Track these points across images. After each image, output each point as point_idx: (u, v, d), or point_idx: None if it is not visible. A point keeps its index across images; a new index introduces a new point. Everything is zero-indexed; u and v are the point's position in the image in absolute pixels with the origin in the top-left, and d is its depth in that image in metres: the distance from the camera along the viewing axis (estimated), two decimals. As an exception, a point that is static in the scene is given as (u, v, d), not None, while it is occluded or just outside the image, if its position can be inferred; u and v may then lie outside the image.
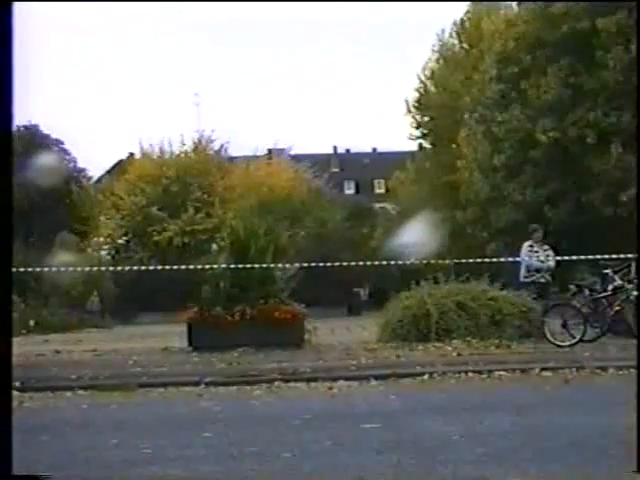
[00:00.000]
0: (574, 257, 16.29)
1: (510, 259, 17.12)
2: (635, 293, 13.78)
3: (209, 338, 14.28)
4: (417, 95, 40.53)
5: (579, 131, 25.26)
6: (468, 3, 38.96)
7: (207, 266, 15.71)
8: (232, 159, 41.57)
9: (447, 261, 17.20)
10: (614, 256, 15.01)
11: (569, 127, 25.49)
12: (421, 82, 40.48)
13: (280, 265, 15.28)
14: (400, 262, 20.21)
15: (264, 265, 14.72)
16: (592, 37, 25.36)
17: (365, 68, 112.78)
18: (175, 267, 19.18)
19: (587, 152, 25.37)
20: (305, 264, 17.30)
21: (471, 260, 17.28)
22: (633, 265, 14.18)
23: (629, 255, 14.60)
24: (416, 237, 19.20)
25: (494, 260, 18.02)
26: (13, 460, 5.72)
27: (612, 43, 24.64)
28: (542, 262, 15.81)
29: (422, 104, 40.28)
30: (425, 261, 18.70)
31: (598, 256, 15.30)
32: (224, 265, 15.09)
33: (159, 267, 23.04)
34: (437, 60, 39.78)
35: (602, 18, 24.80)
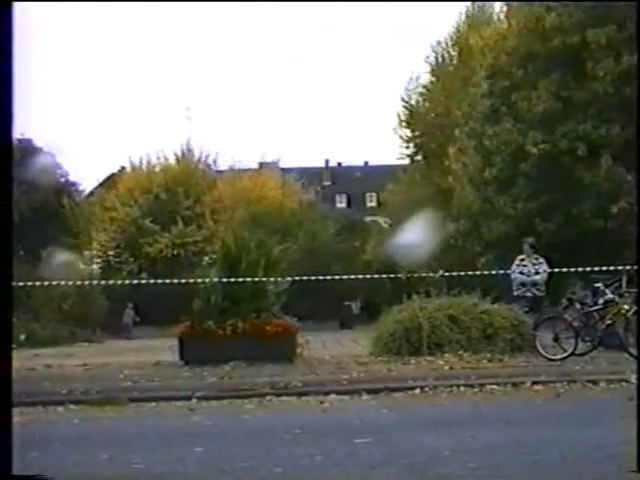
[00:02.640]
0: (564, 270, 16.35)
1: (501, 272, 17.16)
2: (626, 307, 13.80)
3: (201, 352, 14.24)
4: (407, 110, 40.59)
5: (569, 143, 25.35)
6: (457, 19, 39.10)
7: (199, 280, 15.68)
8: (222, 172, 41.64)
9: (439, 274, 17.20)
10: (604, 269, 15.07)
11: (560, 139, 25.59)
12: (410, 97, 40.57)
13: (272, 279, 15.27)
14: (392, 276, 20.21)
15: (256, 279, 14.72)
16: (582, 50, 25.48)
17: (357, 81, 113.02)
18: (167, 281, 19.18)
19: (577, 164, 25.46)
20: (297, 277, 17.29)
21: (462, 273, 17.31)
22: (624, 279, 14.21)
23: (620, 268, 14.65)
24: (408, 248, 19.21)
25: (485, 273, 18.06)
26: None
27: (602, 55, 24.78)
28: (527, 276, 15.89)
29: (412, 119, 40.34)
30: (416, 275, 18.72)
31: (588, 269, 15.35)
32: (216, 279, 15.07)
33: (151, 281, 23.04)
34: (431, 72, 39.85)
35: (592, 29, 24.93)
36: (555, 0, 26.54)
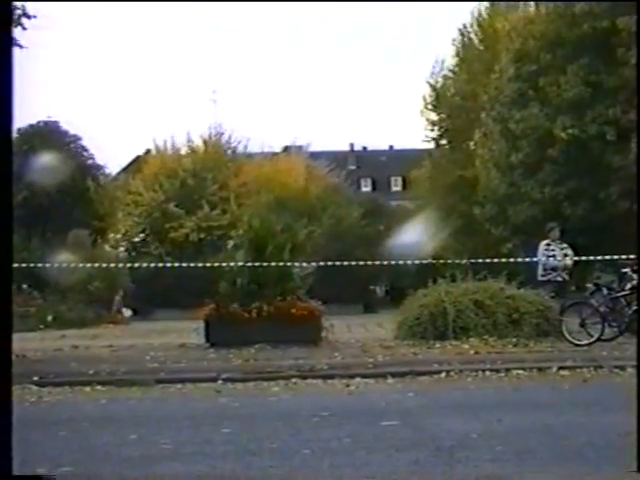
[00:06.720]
0: (591, 257, 16.24)
1: (527, 258, 17.07)
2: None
3: (226, 334, 14.29)
4: (433, 93, 40.40)
5: (599, 128, 25.23)
6: (482, 2, 38.78)
7: (224, 263, 15.71)
8: (249, 156, 41.56)
9: (464, 260, 17.13)
10: (632, 256, 14.96)
11: (589, 124, 25.46)
12: (436, 81, 40.37)
13: (297, 263, 15.28)
14: (417, 261, 20.14)
15: (281, 263, 14.74)
16: (612, 36, 25.29)
17: (383, 66, 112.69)
18: (192, 265, 19.23)
19: (607, 148, 25.34)
20: (322, 263, 17.28)
21: (488, 260, 17.24)
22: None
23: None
24: (430, 234, 19.15)
25: (511, 260, 17.97)
26: (31, 456, 5.78)
27: (632, 41, 24.58)
28: (558, 261, 15.77)
29: (438, 102, 40.13)
30: (442, 260, 18.66)
31: (616, 256, 15.25)
32: (241, 262, 15.10)
33: (177, 264, 23.08)
34: (457, 55, 39.58)
35: (623, 17, 24.74)
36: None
